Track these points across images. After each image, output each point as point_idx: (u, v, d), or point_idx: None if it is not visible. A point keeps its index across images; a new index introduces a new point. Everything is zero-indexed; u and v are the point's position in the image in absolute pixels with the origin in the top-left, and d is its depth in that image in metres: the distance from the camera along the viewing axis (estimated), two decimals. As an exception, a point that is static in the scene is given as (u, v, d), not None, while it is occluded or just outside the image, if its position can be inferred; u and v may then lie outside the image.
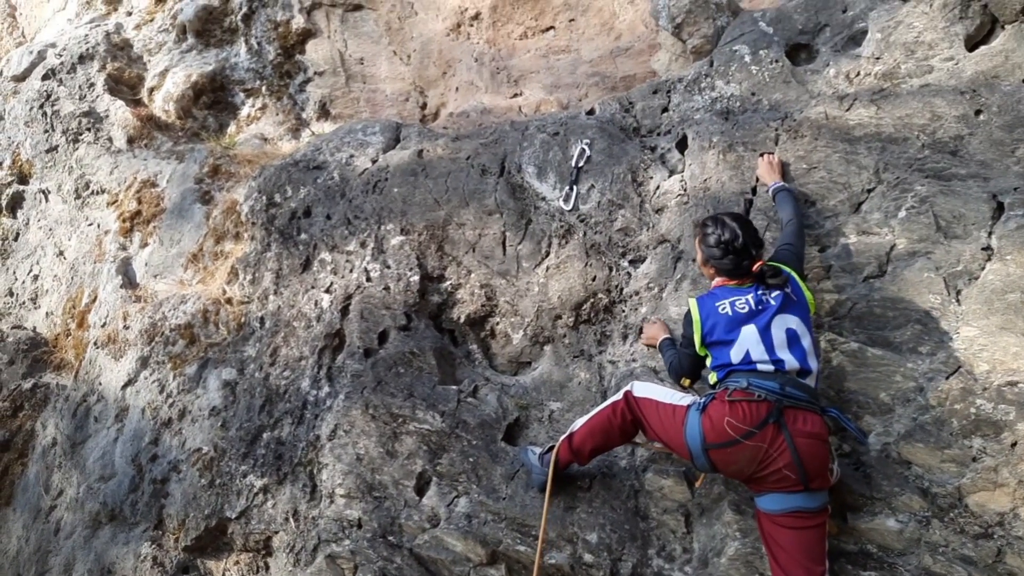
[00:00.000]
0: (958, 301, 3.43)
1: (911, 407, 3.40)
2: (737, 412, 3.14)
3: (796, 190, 3.95)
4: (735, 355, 3.31)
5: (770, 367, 3.23)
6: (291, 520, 4.43)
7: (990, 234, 3.47)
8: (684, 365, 3.62)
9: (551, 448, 3.79)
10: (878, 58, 4.14)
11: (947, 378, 3.35)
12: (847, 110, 4.04)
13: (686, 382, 3.60)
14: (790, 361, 3.23)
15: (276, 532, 4.49)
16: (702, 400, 3.32)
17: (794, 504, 3.11)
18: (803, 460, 3.06)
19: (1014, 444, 3.16)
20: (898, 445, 3.37)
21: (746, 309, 3.34)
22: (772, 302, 3.33)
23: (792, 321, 3.31)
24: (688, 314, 3.50)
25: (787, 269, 3.45)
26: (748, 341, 3.29)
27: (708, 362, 3.45)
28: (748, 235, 3.48)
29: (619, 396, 3.61)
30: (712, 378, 3.42)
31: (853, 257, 3.72)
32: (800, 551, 3.10)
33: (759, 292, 3.37)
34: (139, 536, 4.95)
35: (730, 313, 3.36)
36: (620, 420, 3.55)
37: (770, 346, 3.26)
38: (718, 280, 3.55)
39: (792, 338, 3.28)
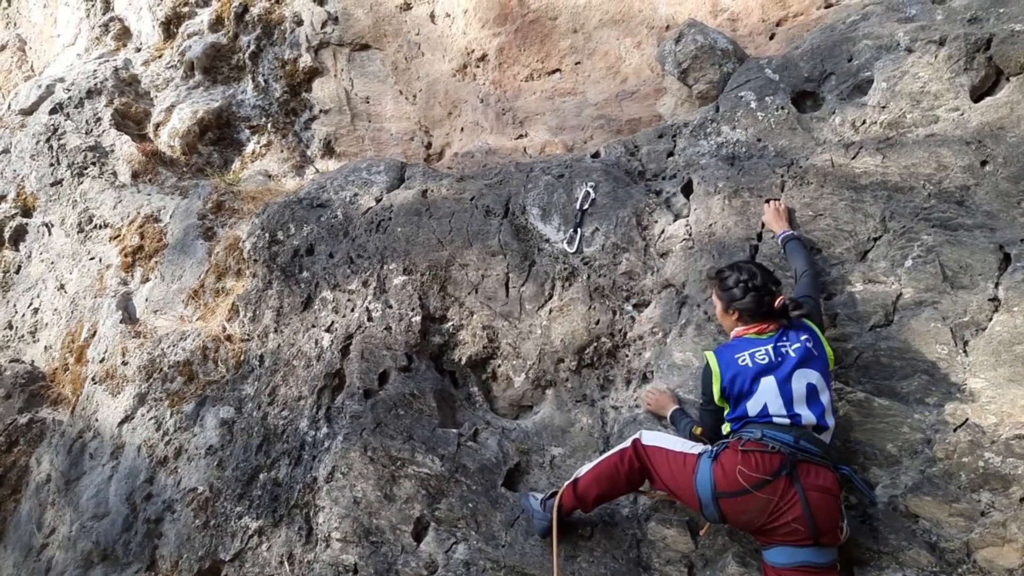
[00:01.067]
0: (965, 352, 3.40)
1: (919, 459, 3.35)
2: (750, 462, 3.11)
3: (805, 238, 3.93)
4: (752, 408, 3.26)
5: (786, 420, 3.19)
6: (286, 564, 4.35)
7: (997, 285, 3.45)
8: (708, 424, 3.52)
9: (554, 494, 3.74)
10: (884, 107, 4.15)
11: (955, 430, 3.30)
12: (853, 158, 4.05)
13: (697, 430, 3.53)
14: (807, 416, 3.19)
15: (270, 576, 4.41)
16: (714, 448, 3.28)
17: (802, 558, 3.06)
18: (814, 514, 3.01)
19: (1023, 499, 3.10)
20: (905, 498, 3.32)
21: (766, 360, 3.29)
22: (792, 354, 3.28)
23: (812, 376, 3.25)
24: (707, 368, 3.43)
25: (809, 324, 3.41)
26: (767, 394, 3.25)
27: (724, 413, 3.40)
28: (765, 274, 3.49)
29: (627, 444, 3.55)
30: (726, 428, 3.38)
31: (859, 306, 3.69)
32: None
33: (779, 344, 3.32)
34: (131, 577, 4.87)
35: (750, 364, 3.30)
36: (627, 468, 3.49)
37: (788, 400, 3.22)
38: (738, 330, 3.49)
39: (811, 393, 3.23)
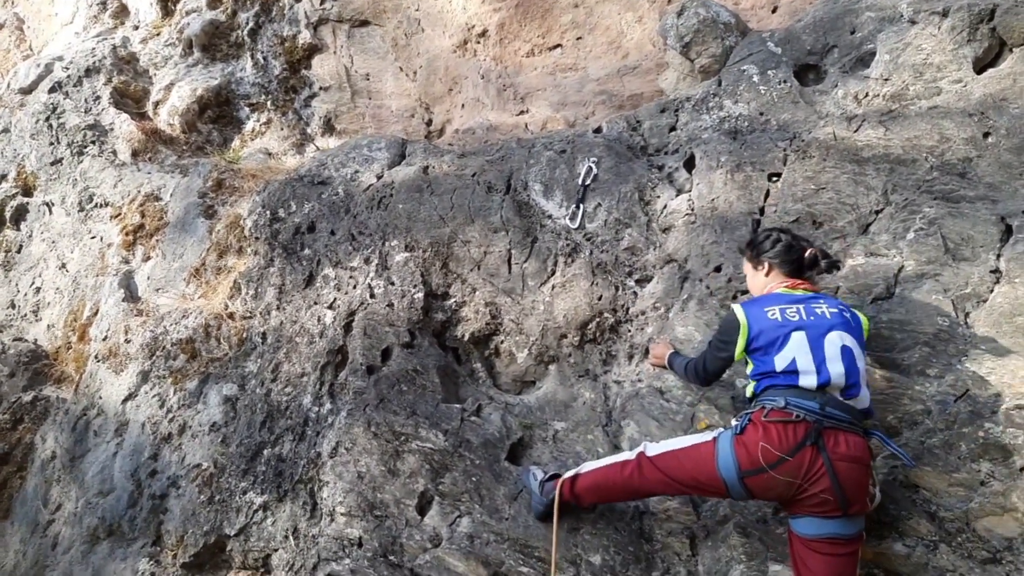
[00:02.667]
0: (966, 324, 3.40)
1: (919, 430, 3.36)
2: (772, 436, 2.99)
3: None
4: (780, 362, 3.13)
5: (812, 381, 3.06)
6: (291, 538, 4.38)
7: (998, 256, 3.45)
8: (708, 368, 3.46)
9: (552, 476, 3.74)
10: (887, 79, 4.14)
11: (955, 401, 3.32)
12: (855, 131, 4.04)
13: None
14: (836, 375, 3.06)
15: (275, 550, 4.44)
16: (736, 424, 3.17)
17: (830, 530, 2.99)
18: (842, 485, 2.92)
19: (1022, 468, 3.12)
20: (906, 468, 3.34)
21: (797, 317, 3.18)
22: (828, 316, 3.17)
23: (848, 340, 3.14)
24: (733, 319, 3.31)
25: (849, 305, 3.37)
26: (797, 348, 3.12)
27: (748, 370, 3.30)
28: (795, 234, 3.48)
29: (631, 455, 3.43)
30: (749, 390, 3.28)
31: (861, 278, 3.70)
32: None
33: (812, 304, 3.23)
34: (137, 552, 4.90)
35: (779, 319, 3.19)
36: (625, 479, 3.39)
37: (820, 358, 3.08)
38: (771, 286, 3.41)
39: (846, 355, 3.11)
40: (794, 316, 3.18)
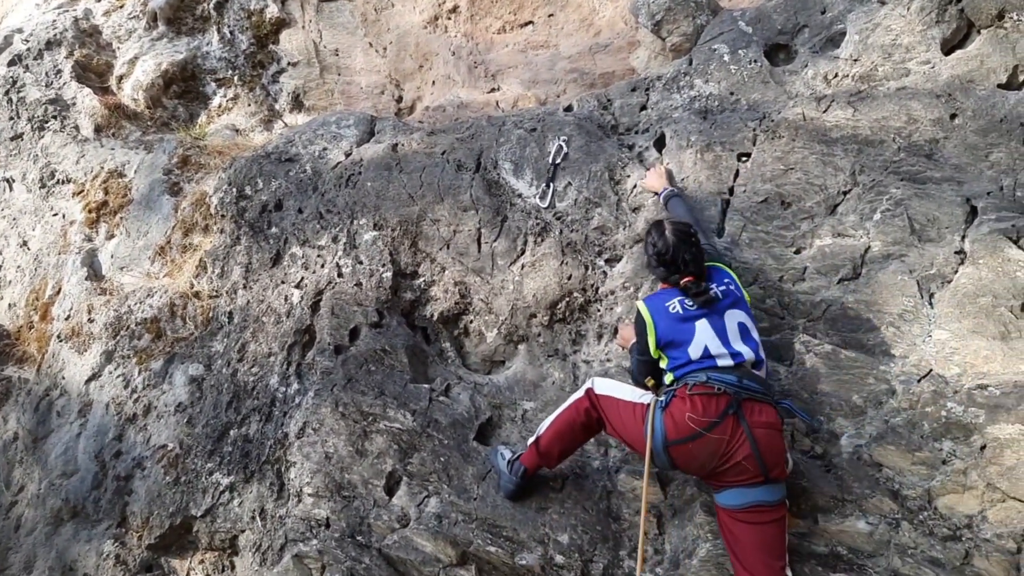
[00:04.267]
0: (931, 304, 3.44)
1: (883, 409, 3.40)
2: (697, 407, 3.14)
3: (685, 194, 4.12)
4: (694, 351, 3.30)
5: (729, 361, 3.24)
6: (258, 519, 4.35)
7: (963, 238, 3.49)
8: (643, 372, 3.58)
9: (520, 456, 3.77)
10: (856, 60, 4.14)
11: (919, 381, 3.36)
12: (824, 111, 4.04)
13: (650, 382, 3.54)
14: (747, 352, 3.27)
15: (242, 531, 4.41)
16: (663, 398, 3.29)
17: (754, 498, 3.10)
18: (761, 451, 3.06)
19: (983, 447, 3.17)
20: (869, 447, 3.38)
21: (695, 305, 3.37)
22: (721, 296, 3.38)
23: (741, 315, 3.37)
24: (639, 318, 3.49)
25: (724, 268, 3.56)
26: (704, 336, 3.31)
27: (664, 364, 3.42)
28: (683, 250, 3.47)
29: (581, 393, 3.58)
30: (669, 378, 3.38)
31: (828, 259, 3.72)
32: (761, 546, 3.10)
33: (705, 289, 3.40)
34: (102, 533, 4.85)
35: (680, 312, 3.37)
36: (584, 418, 3.53)
37: (726, 339, 3.29)
38: (667, 283, 3.58)
39: (743, 331, 3.34)
40: (692, 304, 3.38)
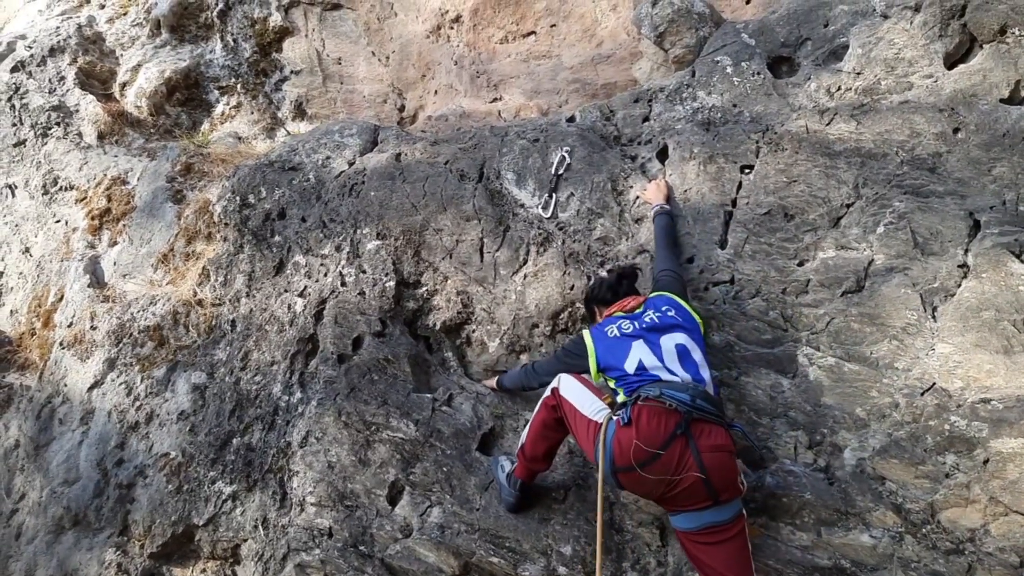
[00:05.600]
0: (934, 318, 3.44)
1: (886, 423, 3.41)
2: (645, 427, 3.06)
3: (677, 213, 4.21)
4: (629, 366, 3.34)
5: (672, 376, 3.26)
6: (260, 528, 4.35)
7: (966, 251, 3.49)
8: (540, 371, 3.88)
9: (515, 468, 3.78)
10: (859, 73, 4.16)
11: (922, 394, 3.36)
12: (828, 124, 4.05)
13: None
14: (683, 375, 3.28)
15: (244, 540, 4.41)
16: (620, 415, 3.20)
17: (706, 520, 3.07)
18: (710, 474, 3.00)
19: (986, 461, 3.17)
20: (873, 460, 3.38)
21: (631, 329, 3.47)
22: (656, 320, 3.48)
23: (680, 338, 3.42)
24: (581, 343, 3.58)
25: (669, 296, 3.64)
26: (639, 352, 3.37)
27: (612, 384, 3.43)
28: (616, 283, 3.80)
29: (548, 392, 3.59)
30: (621, 397, 3.33)
31: (831, 272, 3.72)
32: (724, 565, 3.08)
33: (642, 316, 3.54)
34: (103, 542, 4.85)
35: (618, 334, 3.48)
36: (554, 415, 3.54)
37: (660, 357, 3.34)
38: (606, 313, 3.73)
39: (682, 353, 3.37)
40: (629, 328, 3.49)
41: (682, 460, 3.02)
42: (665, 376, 3.27)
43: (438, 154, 5.17)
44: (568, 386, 3.53)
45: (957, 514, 3.19)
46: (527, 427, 3.69)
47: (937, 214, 3.59)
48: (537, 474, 3.76)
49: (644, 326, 3.47)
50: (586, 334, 3.59)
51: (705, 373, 3.35)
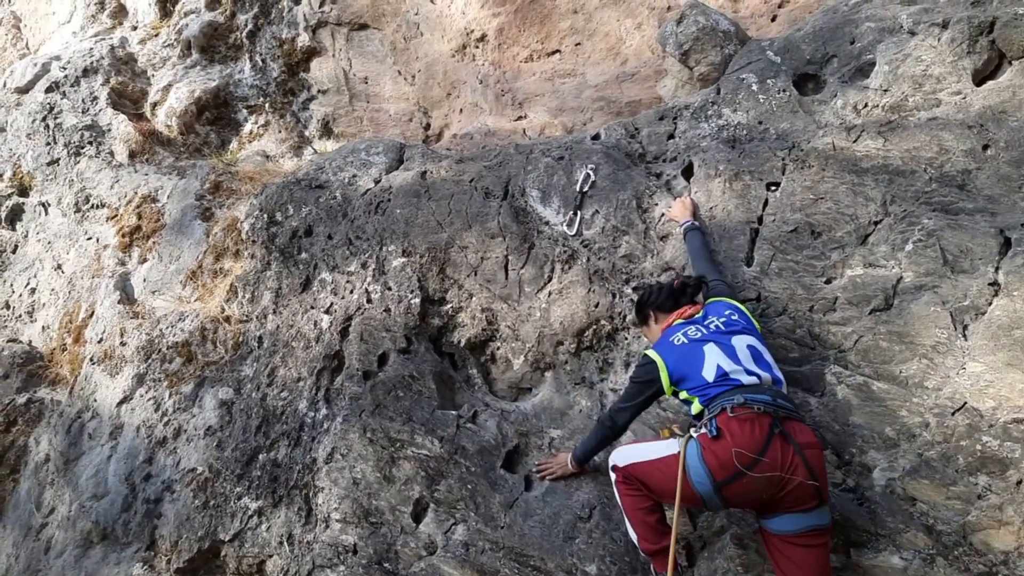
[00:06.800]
0: (965, 336, 3.40)
1: (916, 443, 3.36)
2: (741, 434, 2.98)
3: (705, 228, 4.21)
4: (708, 373, 3.24)
5: (752, 379, 3.17)
6: (285, 544, 4.37)
7: (997, 269, 3.44)
8: (617, 419, 3.59)
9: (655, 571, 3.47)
10: (886, 90, 4.13)
11: (953, 414, 3.31)
12: (854, 141, 4.03)
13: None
14: (763, 374, 3.22)
15: (270, 556, 4.43)
16: (703, 430, 3.10)
17: (811, 522, 3.01)
18: (816, 473, 2.96)
19: (1019, 482, 3.11)
20: (903, 481, 3.33)
21: (699, 335, 3.39)
22: (721, 326, 3.40)
23: (749, 339, 3.36)
24: (650, 363, 3.43)
25: (728, 301, 3.59)
26: (715, 356, 3.27)
27: (684, 396, 3.34)
28: (676, 289, 3.70)
29: (612, 477, 3.43)
30: (696, 408, 3.25)
31: (859, 289, 3.69)
32: (816, 570, 3.03)
33: (705, 321, 3.46)
34: (131, 557, 4.89)
35: (686, 341, 3.38)
36: (636, 491, 3.33)
37: (737, 359, 3.26)
38: (664, 323, 3.65)
39: (756, 354, 3.30)
40: (696, 334, 3.40)
41: (786, 458, 2.95)
42: (745, 379, 3.18)
43: (463, 172, 5.20)
44: (623, 453, 3.42)
45: (990, 536, 3.14)
46: (627, 525, 3.43)
47: (967, 231, 3.55)
48: (670, 554, 3.12)
49: (713, 330, 3.39)
50: (651, 352, 3.46)
51: (779, 373, 3.30)
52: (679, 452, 3.12)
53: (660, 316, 3.70)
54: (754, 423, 3.01)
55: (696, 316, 3.53)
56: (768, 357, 3.33)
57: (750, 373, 3.20)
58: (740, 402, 3.08)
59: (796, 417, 3.11)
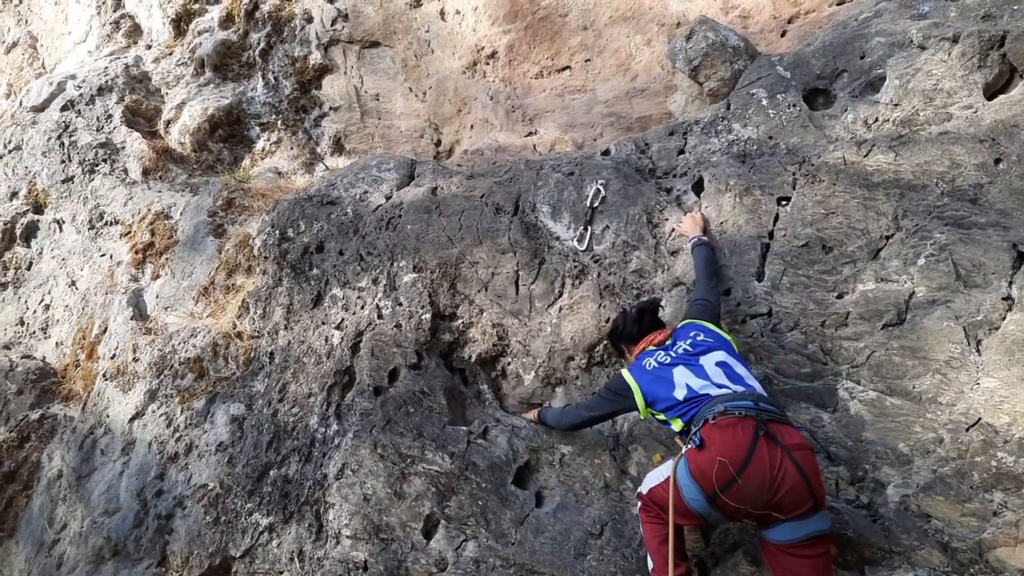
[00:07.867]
0: (978, 351, 3.37)
1: (931, 459, 3.33)
2: (724, 441, 2.98)
3: (716, 244, 4.23)
4: (679, 393, 3.33)
5: (726, 391, 3.20)
6: (296, 560, 4.36)
7: (1010, 284, 3.42)
8: (579, 417, 3.91)
9: None
10: (897, 104, 4.13)
11: (967, 430, 3.28)
12: (865, 156, 4.02)
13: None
14: (734, 388, 3.23)
15: (280, 572, 4.41)
16: (681, 454, 3.15)
17: (810, 530, 2.97)
18: (808, 474, 2.93)
19: (1036, 499, 3.09)
20: (917, 498, 3.30)
21: (668, 359, 3.50)
22: (689, 348, 3.49)
23: (718, 356, 3.41)
24: (624, 384, 3.57)
25: (694, 322, 3.65)
26: (683, 377, 3.37)
27: (661, 418, 3.45)
28: (639, 318, 3.84)
29: (638, 505, 3.47)
30: (678, 425, 3.32)
31: (871, 304, 3.67)
32: None
33: (673, 346, 3.56)
34: (142, 573, 4.89)
35: (656, 365, 3.50)
36: (655, 517, 3.33)
37: (706, 376, 3.32)
38: (636, 350, 3.75)
39: (726, 369, 3.34)
40: (665, 359, 3.52)
41: (774, 460, 2.93)
42: (715, 392, 3.22)
43: (474, 188, 5.21)
44: (645, 480, 3.45)
45: (1006, 553, 3.10)
46: (647, 554, 3.44)
47: (979, 246, 3.54)
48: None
49: (680, 354, 3.48)
50: (625, 372, 3.61)
51: (753, 382, 3.31)
52: (670, 475, 3.15)
53: (631, 346, 3.84)
54: (736, 428, 3.02)
55: (666, 343, 3.64)
56: (740, 370, 3.37)
57: (719, 387, 3.26)
58: (721, 411, 3.11)
59: (782, 420, 3.10)
